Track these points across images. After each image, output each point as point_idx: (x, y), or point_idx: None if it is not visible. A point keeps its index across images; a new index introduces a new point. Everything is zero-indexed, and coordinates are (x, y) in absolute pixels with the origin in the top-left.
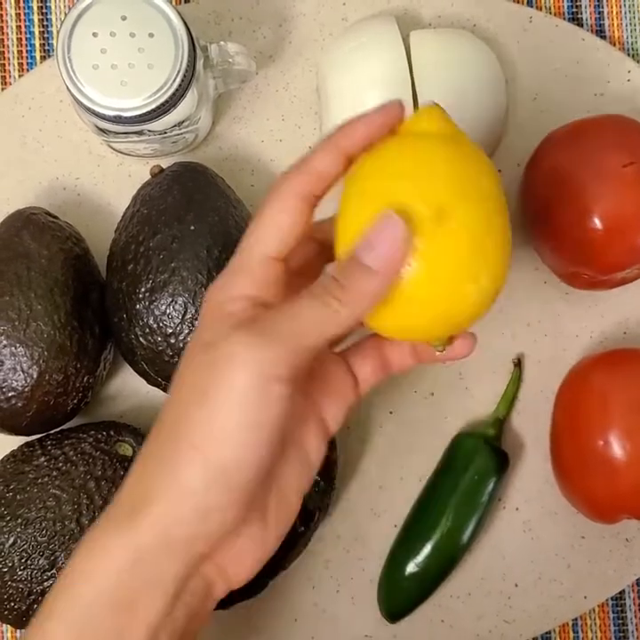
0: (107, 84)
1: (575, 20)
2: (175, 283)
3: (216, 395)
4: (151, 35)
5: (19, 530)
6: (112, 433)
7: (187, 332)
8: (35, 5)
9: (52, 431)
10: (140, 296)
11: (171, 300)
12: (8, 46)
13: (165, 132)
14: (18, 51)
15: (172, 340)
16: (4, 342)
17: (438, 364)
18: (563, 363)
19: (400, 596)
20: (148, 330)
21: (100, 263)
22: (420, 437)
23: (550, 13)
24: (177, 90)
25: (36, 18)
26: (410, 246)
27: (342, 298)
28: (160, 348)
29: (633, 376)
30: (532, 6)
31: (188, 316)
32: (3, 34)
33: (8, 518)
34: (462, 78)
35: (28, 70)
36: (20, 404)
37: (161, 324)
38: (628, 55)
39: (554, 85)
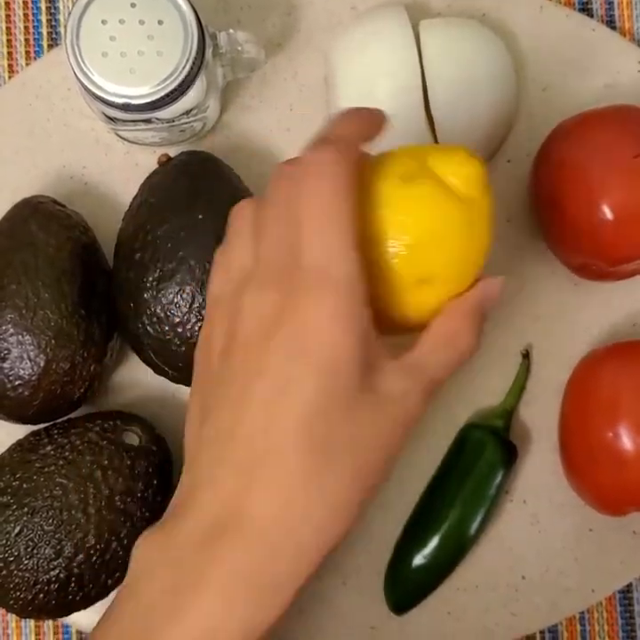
0: (115, 71)
1: (585, 10)
2: (183, 272)
3: None
4: (160, 22)
5: (25, 519)
6: (119, 422)
7: (194, 321)
8: None
9: (58, 420)
10: (148, 285)
11: (178, 289)
12: (15, 34)
13: (173, 121)
14: (25, 39)
15: (180, 330)
16: (11, 331)
17: None
18: (571, 354)
19: (406, 589)
20: (155, 319)
21: (108, 252)
22: (427, 428)
23: (560, 3)
24: (186, 78)
25: (43, 5)
26: None
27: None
28: (167, 337)
29: None
30: None
31: (196, 305)
32: (10, 22)
33: (14, 507)
34: (472, 68)
35: (35, 58)
36: (26, 393)
37: (168, 314)
38: (639, 46)
39: (564, 76)
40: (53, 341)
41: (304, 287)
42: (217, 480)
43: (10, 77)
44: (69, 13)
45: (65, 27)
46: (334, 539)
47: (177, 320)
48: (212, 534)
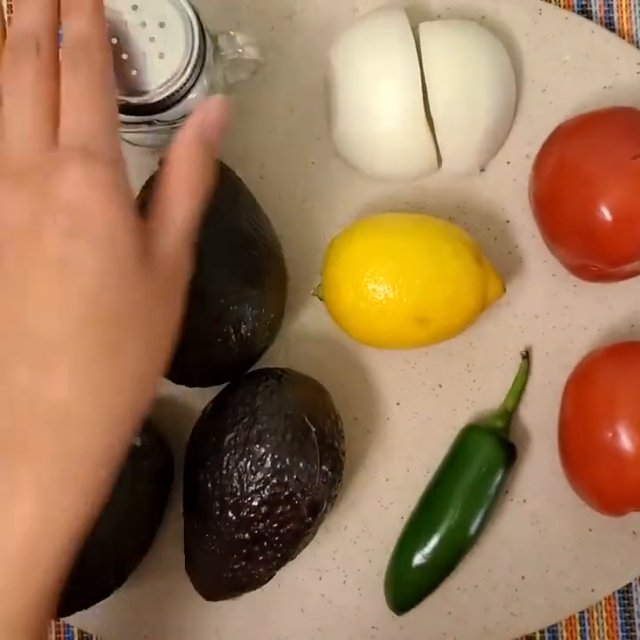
0: (117, 73)
1: (584, 12)
2: None
3: None
4: (162, 24)
5: None
6: None
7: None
8: None
9: None
10: None
11: None
12: None
13: (175, 123)
14: None
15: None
16: None
17: (445, 354)
18: (571, 355)
19: (407, 588)
20: None
21: None
22: (428, 429)
23: (559, 5)
24: (188, 80)
25: None
26: None
27: None
28: None
29: None
30: None
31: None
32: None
33: None
34: (471, 70)
35: None
36: None
37: None
38: (638, 48)
39: (563, 77)
40: None
41: (62, 166)
42: (7, 377)
43: None
44: None
45: None
46: (140, 409)
47: None
48: (14, 436)
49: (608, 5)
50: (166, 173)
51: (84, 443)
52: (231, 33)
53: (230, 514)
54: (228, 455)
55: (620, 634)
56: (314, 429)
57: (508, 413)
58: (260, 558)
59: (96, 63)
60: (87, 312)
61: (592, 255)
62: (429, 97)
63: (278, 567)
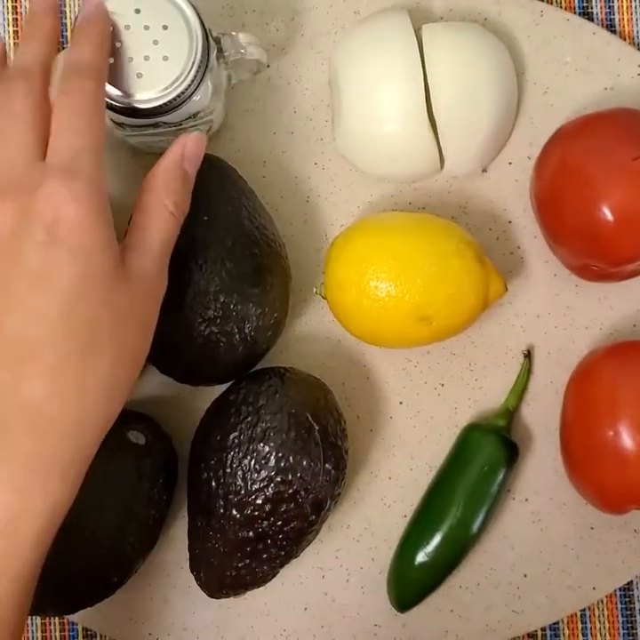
0: (122, 76)
1: (586, 14)
2: (185, 271)
3: None
4: (165, 27)
5: None
6: (123, 421)
7: (199, 320)
8: None
9: None
10: None
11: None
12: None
13: (181, 124)
14: None
15: (186, 329)
16: None
17: (447, 354)
18: (572, 354)
19: (409, 586)
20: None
21: None
22: (430, 428)
23: (561, 7)
24: (192, 81)
25: None
26: None
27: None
28: (173, 337)
29: None
30: (543, 0)
31: (199, 307)
32: (17, 25)
33: None
34: (474, 72)
35: None
36: None
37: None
38: (639, 49)
39: (564, 79)
40: None
41: (44, 181)
42: None
43: None
44: (75, 19)
45: (71, 33)
46: (110, 414)
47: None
48: None
49: (609, 7)
50: (141, 197)
51: (56, 436)
52: (233, 33)
53: (234, 512)
54: (231, 454)
55: (622, 631)
56: (317, 428)
57: (510, 412)
58: (264, 556)
59: (87, 89)
60: (62, 319)
61: (593, 255)
62: (432, 98)
63: (282, 565)
